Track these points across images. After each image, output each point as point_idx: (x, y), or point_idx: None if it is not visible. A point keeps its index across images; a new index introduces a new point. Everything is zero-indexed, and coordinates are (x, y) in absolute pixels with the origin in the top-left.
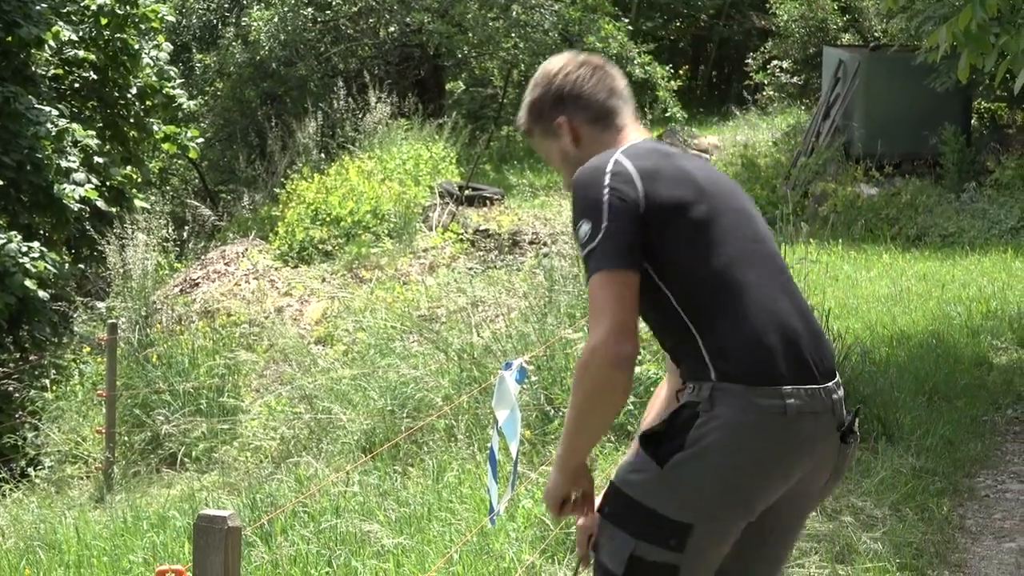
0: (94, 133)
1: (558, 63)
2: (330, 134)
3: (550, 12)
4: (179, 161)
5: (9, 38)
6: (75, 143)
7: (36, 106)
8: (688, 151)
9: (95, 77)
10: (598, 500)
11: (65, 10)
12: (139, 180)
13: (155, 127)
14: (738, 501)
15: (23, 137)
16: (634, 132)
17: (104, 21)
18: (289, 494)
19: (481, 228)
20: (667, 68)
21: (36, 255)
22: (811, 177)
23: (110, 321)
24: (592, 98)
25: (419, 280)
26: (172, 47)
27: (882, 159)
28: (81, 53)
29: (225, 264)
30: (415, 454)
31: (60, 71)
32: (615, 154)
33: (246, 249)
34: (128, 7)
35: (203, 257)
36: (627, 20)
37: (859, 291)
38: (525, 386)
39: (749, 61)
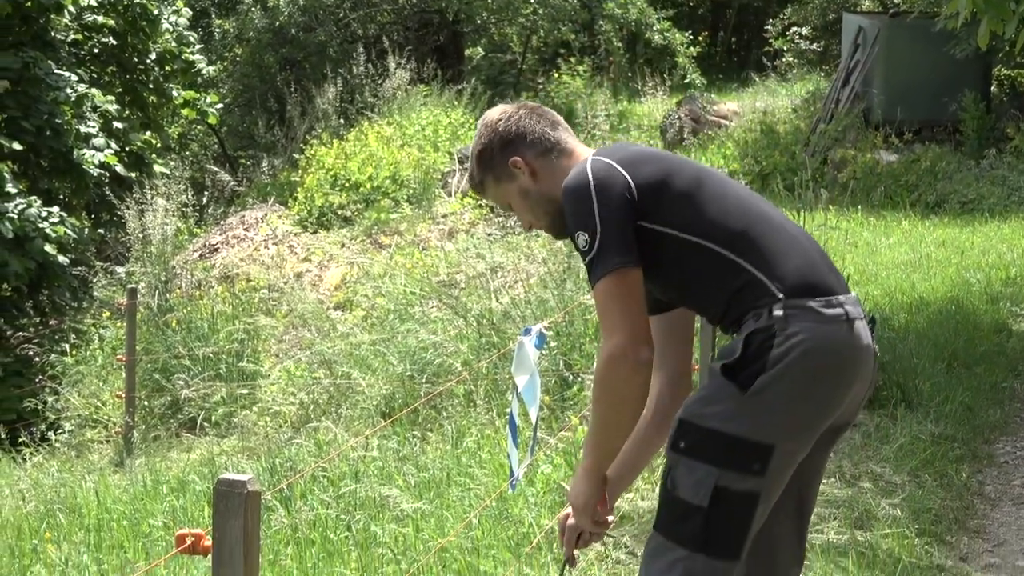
0: (113, 98)
1: (496, 113)
2: (349, 100)
3: None
4: (198, 126)
5: (29, 3)
6: (94, 108)
7: (56, 71)
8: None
9: (114, 42)
10: (670, 436)
11: None
12: (159, 145)
13: (174, 92)
14: (819, 413)
15: (43, 102)
16: (585, 149)
17: None
18: (308, 459)
19: None
20: (686, 34)
21: (56, 220)
22: (830, 144)
23: (130, 286)
24: (537, 133)
25: (438, 246)
26: (191, 12)
27: (902, 126)
28: (100, 18)
29: (244, 229)
30: (434, 419)
31: (79, 36)
32: (587, 160)
33: (265, 214)
34: None
35: (222, 222)
36: None
37: (878, 257)
38: (544, 352)
39: (768, 27)
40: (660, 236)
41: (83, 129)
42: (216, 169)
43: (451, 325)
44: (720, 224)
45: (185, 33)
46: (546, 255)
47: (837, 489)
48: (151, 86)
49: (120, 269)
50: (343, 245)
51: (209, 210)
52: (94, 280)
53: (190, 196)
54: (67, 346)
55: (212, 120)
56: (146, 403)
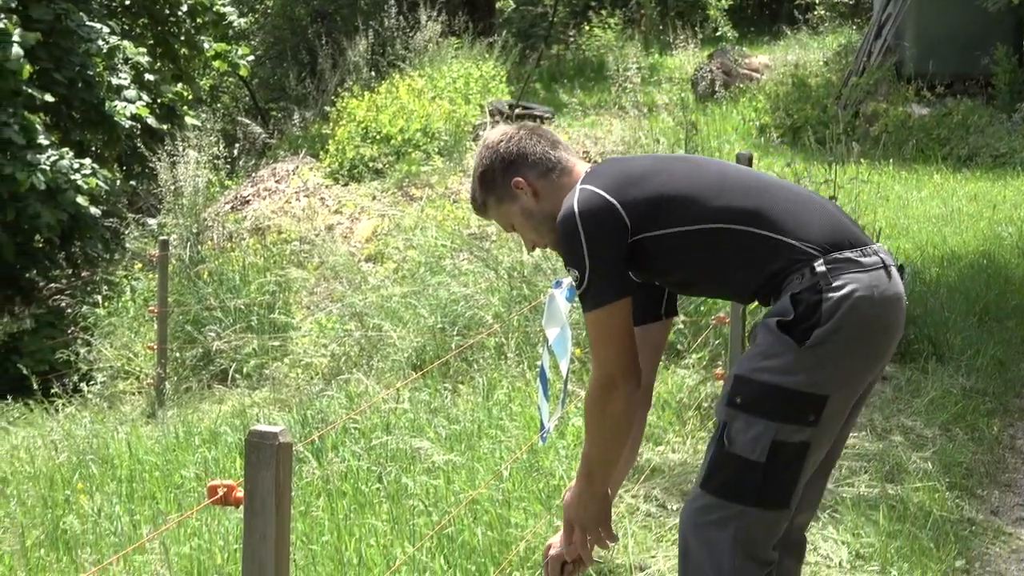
0: (145, 50)
1: (497, 134)
2: (380, 52)
3: None
4: (229, 79)
5: None
6: (126, 60)
7: (87, 23)
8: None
9: None
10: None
11: None
12: (190, 97)
13: (206, 44)
14: (869, 361)
15: (75, 54)
16: (585, 167)
17: None
18: (340, 411)
19: None
20: None
21: (88, 172)
22: (862, 97)
23: (161, 238)
24: (538, 154)
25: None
26: None
27: (933, 79)
28: None
29: (276, 182)
30: (465, 372)
31: None
32: (576, 189)
33: (296, 167)
34: None
35: (254, 175)
36: None
37: (910, 211)
38: (575, 304)
39: None
40: (675, 236)
41: (115, 81)
42: (247, 121)
43: (482, 278)
44: (735, 207)
45: None
46: None
47: (868, 442)
48: (182, 38)
49: (152, 221)
50: (374, 197)
51: (240, 162)
52: (126, 232)
53: (221, 148)
54: (99, 297)
55: (243, 72)
56: (178, 355)
